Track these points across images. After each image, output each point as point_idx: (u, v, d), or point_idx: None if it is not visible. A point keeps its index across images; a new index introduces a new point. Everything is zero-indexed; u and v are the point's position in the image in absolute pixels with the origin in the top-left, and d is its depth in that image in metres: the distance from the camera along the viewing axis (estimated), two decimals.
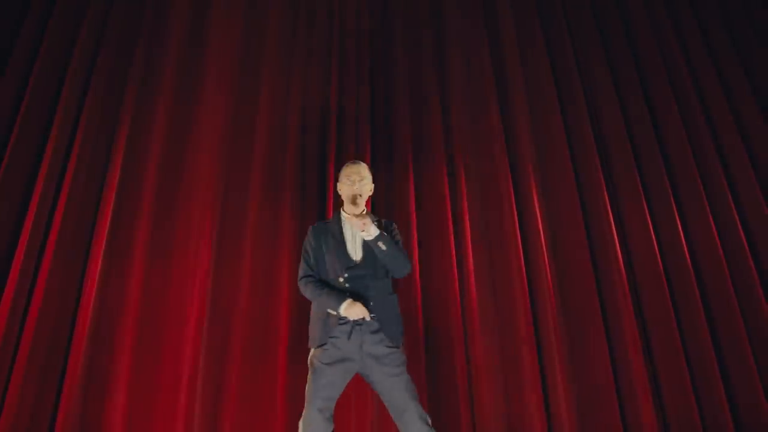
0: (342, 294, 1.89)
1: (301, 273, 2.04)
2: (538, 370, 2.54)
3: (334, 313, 1.88)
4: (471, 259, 2.74)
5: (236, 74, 3.09)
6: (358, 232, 1.96)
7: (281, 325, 2.53)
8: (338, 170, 2.85)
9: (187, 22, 3.21)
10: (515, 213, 2.88)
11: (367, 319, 1.84)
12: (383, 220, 2.12)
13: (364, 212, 2.03)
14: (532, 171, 2.99)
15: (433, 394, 2.48)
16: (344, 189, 2.10)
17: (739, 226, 2.99)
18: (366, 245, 1.98)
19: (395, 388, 1.81)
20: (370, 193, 2.15)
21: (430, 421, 1.78)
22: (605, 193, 2.99)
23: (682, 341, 2.68)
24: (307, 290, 1.99)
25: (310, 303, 2.56)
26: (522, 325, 2.60)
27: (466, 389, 2.50)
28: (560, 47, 3.46)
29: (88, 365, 2.33)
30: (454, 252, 2.76)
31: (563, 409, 2.45)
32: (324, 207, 2.82)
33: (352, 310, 1.84)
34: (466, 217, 2.85)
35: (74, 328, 2.43)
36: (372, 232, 1.90)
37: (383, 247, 1.91)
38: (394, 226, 2.12)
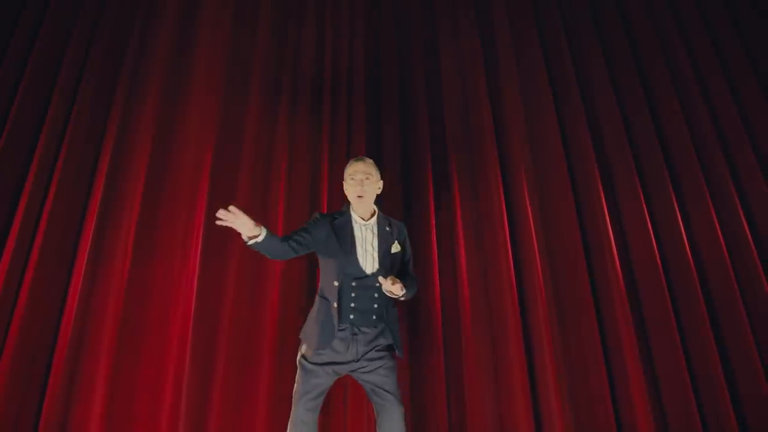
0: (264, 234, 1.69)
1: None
2: (527, 371, 2.47)
3: (259, 239, 1.67)
4: (463, 260, 2.67)
5: (225, 76, 3.05)
6: (371, 240, 1.89)
7: (267, 327, 2.49)
8: (329, 173, 2.83)
9: (178, 19, 3.18)
10: (505, 214, 2.79)
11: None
12: (396, 224, 2.00)
13: (374, 215, 1.95)
14: (524, 171, 2.89)
15: (418, 394, 2.44)
16: (349, 189, 1.93)
17: (745, 223, 2.88)
18: (379, 257, 1.88)
19: (383, 385, 1.79)
20: (379, 191, 1.97)
21: (403, 411, 1.79)
22: (602, 192, 2.89)
23: (682, 341, 2.60)
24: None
25: (296, 307, 2.54)
26: (512, 326, 2.53)
27: (454, 390, 2.46)
28: (555, 42, 3.36)
29: (72, 368, 2.31)
30: (436, 253, 2.70)
31: (555, 410, 2.37)
32: (313, 209, 2.77)
33: (240, 228, 1.64)
34: (458, 218, 2.77)
35: (59, 331, 2.42)
36: (400, 293, 1.78)
37: (404, 299, 1.87)
38: (405, 231, 2.01)
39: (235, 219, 1.62)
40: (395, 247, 1.92)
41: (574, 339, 2.58)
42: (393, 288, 1.73)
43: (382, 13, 3.42)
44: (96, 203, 2.63)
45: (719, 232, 2.84)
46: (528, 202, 2.80)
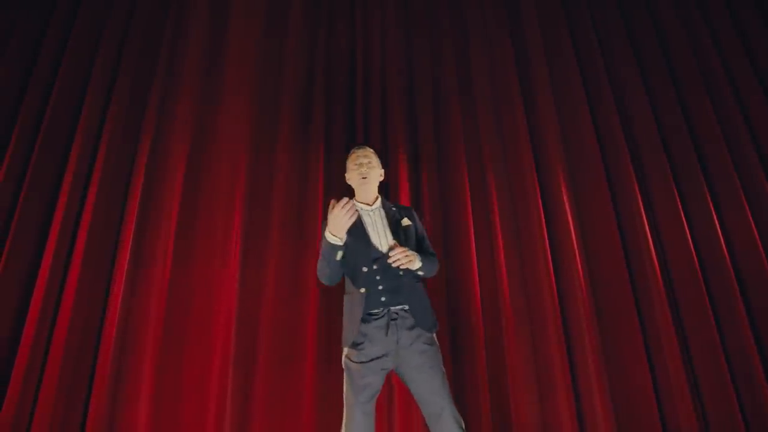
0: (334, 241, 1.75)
1: None
2: (569, 370, 2.47)
3: (339, 242, 1.74)
4: (502, 261, 2.67)
5: (257, 77, 3.05)
6: (380, 221, 1.91)
7: (309, 329, 2.49)
8: None
9: (209, 19, 3.19)
10: (542, 213, 2.79)
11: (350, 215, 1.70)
12: (402, 208, 2.02)
13: (378, 199, 1.98)
14: (560, 170, 2.90)
15: (461, 392, 2.43)
16: (353, 176, 2.00)
17: None
18: (392, 232, 1.89)
19: (431, 389, 1.72)
20: (381, 179, 2.04)
21: (464, 425, 1.70)
22: (637, 191, 2.89)
23: (721, 341, 2.59)
24: (318, 268, 1.89)
25: (338, 305, 2.54)
26: (551, 325, 2.53)
27: (495, 389, 2.46)
28: (586, 42, 3.35)
29: (117, 370, 2.32)
30: (475, 253, 2.70)
31: (599, 412, 2.38)
32: None
33: (336, 222, 1.69)
34: (496, 218, 2.77)
35: (102, 333, 2.42)
36: (416, 265, 1.80)
37: (422, 273, 1.86)
38: (415, 214, 2.02)
39: (345, 213, 1.68)
40: (405, 221, 1.94)
41: (613, 338, 2.58)
42: (404, 255, 1.72)
43: (409, 15, 3.42)
44: (135, 205, 2.64)
45: (755, 231, 2.82)
46: (565, 202, 2.80)
